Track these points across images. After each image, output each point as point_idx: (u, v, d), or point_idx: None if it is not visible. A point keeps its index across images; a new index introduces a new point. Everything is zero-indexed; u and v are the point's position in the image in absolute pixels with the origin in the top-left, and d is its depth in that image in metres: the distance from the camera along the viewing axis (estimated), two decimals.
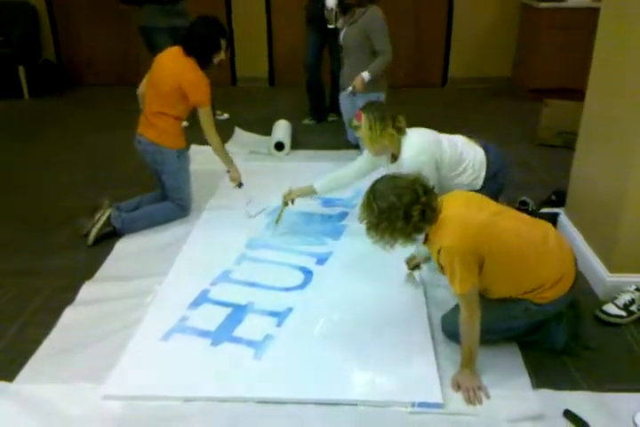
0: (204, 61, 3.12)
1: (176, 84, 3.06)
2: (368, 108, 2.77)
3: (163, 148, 3.18)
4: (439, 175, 2.75)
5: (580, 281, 2.66)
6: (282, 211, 3.13)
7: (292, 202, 3.11)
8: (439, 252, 1.96)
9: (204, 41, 3.09)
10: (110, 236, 3.13)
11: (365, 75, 3.82)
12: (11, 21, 5.81)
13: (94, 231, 3.08)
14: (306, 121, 5.05)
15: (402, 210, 1.93)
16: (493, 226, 2.00)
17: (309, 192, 3.07)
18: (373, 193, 2.00)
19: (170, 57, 3.17)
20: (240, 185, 3.37)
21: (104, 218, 3.09)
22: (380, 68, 3.87)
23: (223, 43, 3.14)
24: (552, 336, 2.23)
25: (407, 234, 1.98)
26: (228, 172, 3.36)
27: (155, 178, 3.37)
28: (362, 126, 2.71)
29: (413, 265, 2.63)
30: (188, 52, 3.09)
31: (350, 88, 3.87)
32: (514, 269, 2.03)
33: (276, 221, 3.15)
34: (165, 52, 3.24)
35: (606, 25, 2.67)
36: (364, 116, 2.71)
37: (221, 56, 3.18)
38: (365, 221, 2.01)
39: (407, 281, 2.66)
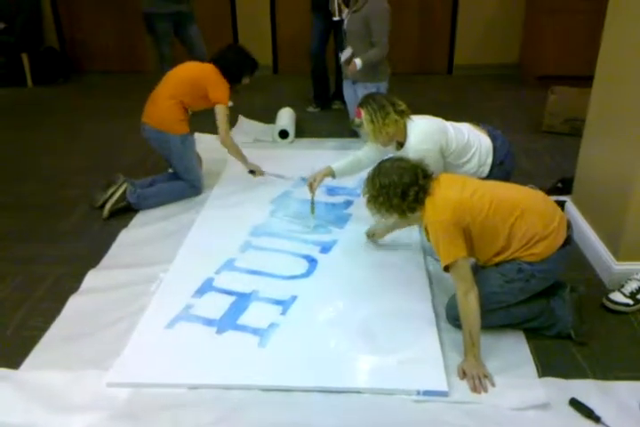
0: (233, 78, 3.30)
1: (195, 77, 3.25)
2: (365, 101, 2.72)
3: (166, 134, 3.25)
4: (445, 163, 2.73)
5: (586, 269, 2.69)
6: (313, 200, 3.03)
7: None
8: (427, 231, 2.11)
9: (239, 59, 3.33)
10: (124, 210, 3.23)
11: (358, 62, 3.78)
12: (13, 9, 5.77)
13: (109, 206, 3.19)
14: (310, 109, 5.02)
15: (400, 188, 2.10)
16: (473, 198, 2.10)
17: (329, 175, 2.99)
18: (379, 169, 2.20)
19: (199, 64, 3.42)
20: (263, 173, 3.51)
21: (119, 192, 3.20)
22: (372, 58, 3.81)
23: (253, 68, 3.39)
24: (558, 321, 2.23)
25: (402, 211, 2.15)
26: (251, 172, 3.47)
27: (165, 160, 3.48)
28: (364, 121, 2.68)
29: (374, 241, 2.84)
30: (220, 66, 3.27)
31: (347, 53, 3.85)
32: (500, 231, 2.08)
33: (312, 212, 3.03)
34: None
35: (615, 10, 2.63)
36: (363, 112, 2.68)
37: (247, 80, 3.40)
38: (367, 195, 2.20)
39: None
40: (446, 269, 2.08)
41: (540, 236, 2.08)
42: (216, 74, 3.25)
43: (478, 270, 2.19)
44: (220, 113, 3.24)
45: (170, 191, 3.38)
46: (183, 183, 3.40)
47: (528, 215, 2.09)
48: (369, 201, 2.19)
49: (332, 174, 2.99)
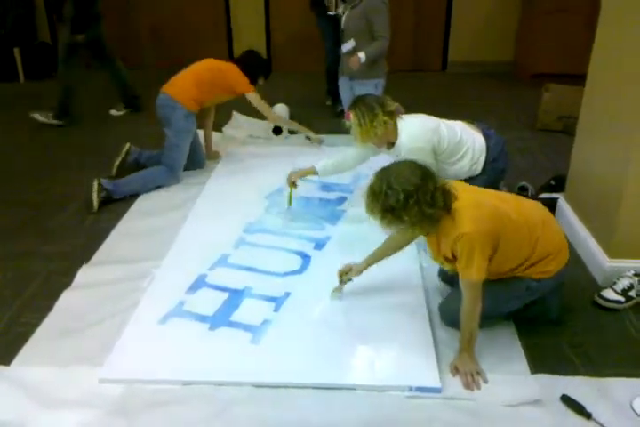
0: (250, 77, 3.57)
1: (218, 66, 3.53)
2: (355, 104, 2.71)
3: (175, 102, 3.42)
4: (438, 161, 2.73)
5: (578, 267, 2.70)
6: (290, 193, 3.11)
7: (295, 184, 3.08)
8: (456, 240, 1.92)
9: (256, 61, 3.69)
10: (116, 206, 3.27)
11: (362, 55, 3.77)
12: (5, 2, 5.73)
13: (94, 198, 3.23)
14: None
15: (428, 194, 1.87)
16: (498, 207, 2.02)
17: (311, 173, 3.05)
18: (387, 184, 1.88)
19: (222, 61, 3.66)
20: (321, 142, 4.00)
21: (95, 185, 3.25)
22: (375, 52, 3.81)
23: (268, 71, 3.76)
24: (548, 309, 2.26)
25: (445, 206, 1.91)
26: (307, 138, 4.01)
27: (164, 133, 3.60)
28: (352, 124, 2.67)
29: (347, 279, 2.42)
30: (240, 65, 3.56)
31: (349, 46, 3.88)
32: (523, 244, 2.04)
33: (289, 204, 3.12)
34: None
35: (609, 9, 2.63)
36: (352, 114, 2.66)
37: (261, 81, 3.72)
38: (386, 209, 1.88)
39: (331, 296, 2.43)
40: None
41: (555, 251, 2.07)
42: (236, 68, 3.54)
43: (484, 283, 2.00)
44: (254, 99, 3.60)
45: (145, 177, 3.46)
46: (161, 168, 3.48)
47: (548, 229, 2.06)
48: (399, 209, 1.86)
49: (314, 173, 3.03)
